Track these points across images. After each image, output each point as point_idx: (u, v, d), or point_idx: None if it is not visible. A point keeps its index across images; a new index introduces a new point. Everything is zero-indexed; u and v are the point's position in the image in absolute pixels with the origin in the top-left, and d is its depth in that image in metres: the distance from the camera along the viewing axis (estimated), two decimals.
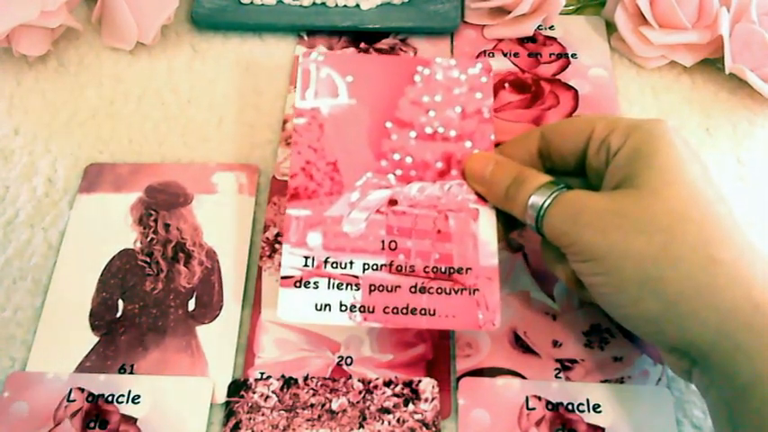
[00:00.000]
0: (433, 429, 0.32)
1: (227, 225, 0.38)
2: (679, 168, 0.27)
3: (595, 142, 0.30)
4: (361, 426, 0.32)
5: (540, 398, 0.33)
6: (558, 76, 0.44)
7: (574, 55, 0.45)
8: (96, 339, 0.35)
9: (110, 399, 0.33)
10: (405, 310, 0.31)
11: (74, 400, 0.33)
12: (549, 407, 0.32)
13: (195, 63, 0.45)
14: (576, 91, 0.43)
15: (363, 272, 0.31)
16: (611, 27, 0.46)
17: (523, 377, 0.33)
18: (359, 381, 0.33)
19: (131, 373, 0.34)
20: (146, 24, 0.43)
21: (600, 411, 0.32)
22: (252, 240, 0.38)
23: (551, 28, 0.46)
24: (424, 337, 0.35)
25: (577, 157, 0.31)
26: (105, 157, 0.41)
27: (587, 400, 0.33)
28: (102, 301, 0.36)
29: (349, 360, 0.34)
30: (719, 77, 0.44)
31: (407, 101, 0.34)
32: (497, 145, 0.34)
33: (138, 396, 0.33)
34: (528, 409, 0.32)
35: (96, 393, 0.33)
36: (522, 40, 0.45)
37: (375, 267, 0.31)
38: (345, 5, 0.45)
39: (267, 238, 0.37)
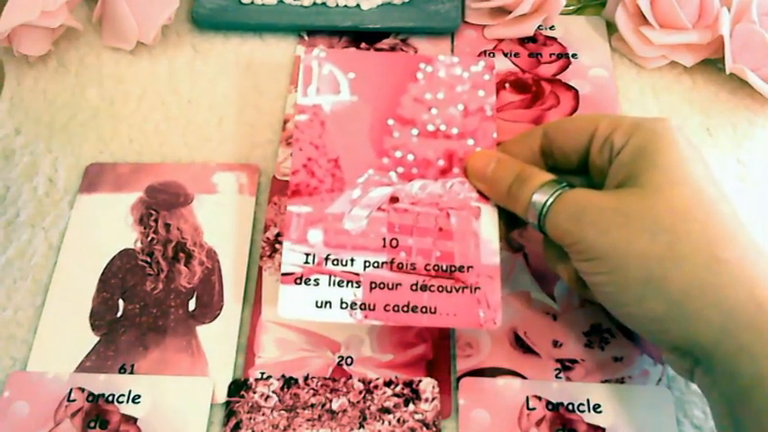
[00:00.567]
0: (434, 429, 0.32)
1: (227, 225, 0.38)
2: (682, 167, 0.27)
3: (598, 140, 0.30)
4: (361, 426, 0.32)
5: (540, 398, 0.33)
6: (558, 77, 0.44)
7: (574, 55, 0.45)
8: (97, 339, 0.35)
9: (110, 399, 0.33)
10: (405, 308, 0.30)
11: (74, 400, 0.33)
12: (550, 407, 0.32)
13: (196, 63, 0.45)
14: (576, 91, 0.43)
15: (364, 269, 0.31)
16: (611, 27, 0.46)
17: (524, 377, 0.33)
18: (359, 381, 0.33)
19: (131, 372, 0.34)
20: (146, 24, 0.43)
21: (600, 411, 0.32)
22: (252, 240, 0.38)
23: (552, 28, 0.46)
24: (425, 336, 0.35)
25: (580, 155, 0.31)
26: (106, 156, 0.41)
27: (587, 401, 0.33)
28: (103, 300, 0.36)
29: (349, 360, 0.34)
30: (720, 78, 0.44)
31: (410, 98, 0.34)
32: (499, 143, 0.34)
33: (139, 396, 0.33)
34: (528, 409, 0.32)
35: (96, 393, 0.33)
36: (522, 41, 0.45)
37: (376, 265, 0.31)
38: (346, 5, 0.45)
39: (267, 238, 0.37)
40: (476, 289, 0.31)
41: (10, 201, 0.39)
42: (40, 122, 0.42)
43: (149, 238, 0.37)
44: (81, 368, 0.34)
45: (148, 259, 0.37)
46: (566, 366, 0.34)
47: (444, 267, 0.31)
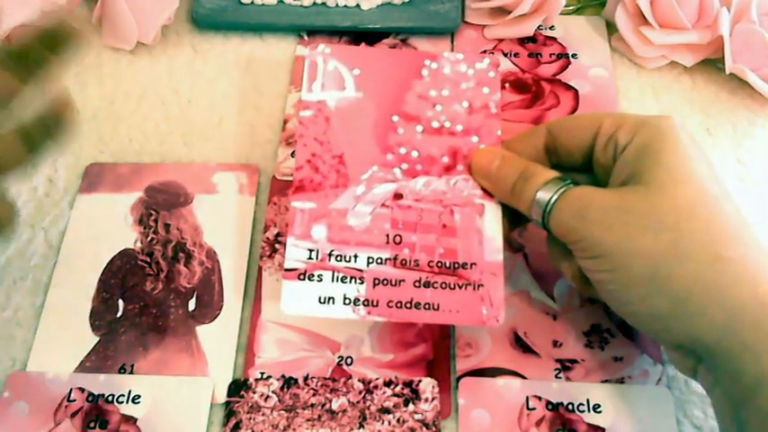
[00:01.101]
0: (434, 429, 0.32)
1: (227, 225, 0.38)
2: (686, 166, 0.27)
3: (603, 138, 0.30)
4: (361, 426, 0.32)
5: (540, 398, 0.33)
6: (558, 77, 0.44)
7: (574, 55, 0.44)
8: (96, 339, 0.35)
9: (110, 399, 0.33)
10: (409, 305, 0.30)
11: (74, 400, 0.33)
12: (550, 407, 0.32)
13: (196, 63, 0.45)
14: (576, 91, 0.43)
15: (368, 265, 0.31)
16: (611, 27, 0.46)
17: (523, 377, 0.33)
18: (359, 381, 0.33)
19: (131, 373, 0.34)
20: (146, 24, 0.43)
21: (600, 411, 0.32)
22: (252, 240, 0.38)
23: (552, 28, 0.46)
24: (425, 336, 0.35)
25: (584, 153, 0.31)
26: (106, 156, 0.41)
27: (587, 400, 0.33)
28: (103, 300, 0.36)
29: (349, 360, 0.34)
30: (720, 77, 0.44)
31: (414, 95, 0.34)
32: (503, 141, 0.34)
33: (139, 396, 0.33)
34: (528, 409, 0.32)
35: (96, 393, 0.33)
36: (522, 41, 0.45)
37: (379, 261, 0.31)
38: (346, 5, 0.45)
39: (267, 238, 0.37)
40: (479, 286, 0.31)
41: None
42: None
43: (149, 239, 0.37)
44: (81, 368, 0.34)
45: (148, 259, 0.37)
46: (566, 366, 0.34)
47: (448, 264, 0.31)
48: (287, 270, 0.31)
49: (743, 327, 0.25)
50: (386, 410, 0.32)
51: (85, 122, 0.42)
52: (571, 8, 0.47)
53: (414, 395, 0.33)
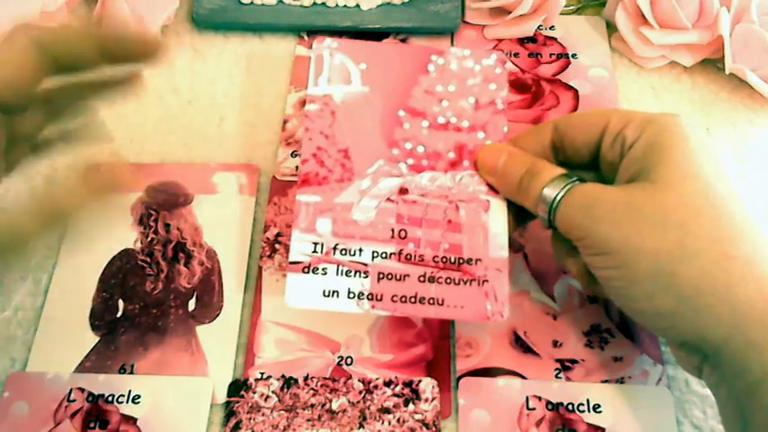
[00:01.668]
0: (433, 429, 0.32)
1: (227, 225, 0.38)
2: (694, 163, 0.27)
3: (610, 135, 0.30)
4: (361, 426, 0.32)
5: (540, 398, 0.33)
6: (558, 77, 0.44)
7: (574, 55, 0.44)
8: (96, 339, 0.35)
9: (110, 399, 0.33)
10: (413, 299, 0.30)
11: (74, 400, 0.33)
12: (549, 407, 0.32)
13: (195, 63, 0.45)
14: (576, 91, 0.43)
15: (372, 259, 0.31)
16: (611, 27, 0.46)
17: (523, 377, 0.33)
18: (359, 381, 0.33)
19: (131, 373, 0.34)
20: (146, 24, 0.43)
21: (600, 411, 0.32)
22: (252, 240, 0.38)
23: (552, 28, 0.46)
24: (424, 337, 0.35)
25: (591, 149, 0.31)
26: (106, 156, 0.41)
27: (587, 400, 0.33)
28: (103, 301, 0.36)
29: (349, 360, 0.34)
30: (720, 77, 0.44)
31: (421, 90, 0.34)
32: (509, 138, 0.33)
33: (138, 396, 0.33)
34: (528, 409, 0.32)
35: (96, 393, 0.33)
36: (522, 41, 0.45)
37: (384, 255, 0.31)
38: (345, 5, 0.45)
39: (267, 238, 0.37)
40: (483, 282, 0.31)
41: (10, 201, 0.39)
42: None
43: (149, 239, 0.37)
44: (81, 368, 0.34)
45: (148, 259, 0.37)
46: (565, 366, 0.34)
47: (452, 259, 0.31)
48: (291, 263, 0.31)
49: (749, 324, 0.25)
50: (386, 410, 0.32)
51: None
52: (571, 8, 0.47)
53: (414, 395, 0.33)
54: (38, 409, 0.32)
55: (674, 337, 0.28)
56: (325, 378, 0.33)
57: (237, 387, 0.33)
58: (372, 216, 0.32)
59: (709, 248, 0.26)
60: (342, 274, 0.31)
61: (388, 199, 0.32)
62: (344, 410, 0.32)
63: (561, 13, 0.46)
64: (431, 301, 0.30)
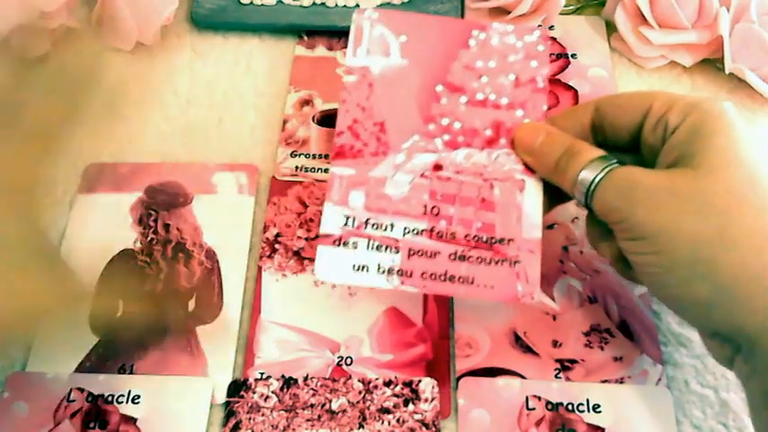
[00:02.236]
0: (433, 429, 0.32)
1: (226, 225, 0.38)
2: (739, 150, 0.27)
3: (653, 118, 0.29)
4: (361, 426, 0.32)
5: (539, 398, 0.33)
6: (557, 77, 0.44)
7: (574, 55, 0.45)
8: (96, 339, 0.35)
9: (109, 399, 0.33)
10: (443, 277, 0.30)
11: (74, 401, 0.33)
12: (549, 407, 0.32)
13: (195, 63, 0.45)
14: (575, 91, 0.43)
15: (404, 235, 0.30)
16: (611, 27, 0.46)
17: (523, 377, 0.33)
18: (359, 381, 0.33)
19: (131, 373, 0.34)
20: (145, 25, 0.43)
21: (600, 411, 0.32)
22: (252, 240, 0.38)
23: (551, 28, 0.46)
24: (424, 337, 0.35)
25: (632, 132, 0.30)
26: (105, 156, 0.41)
27: (587, 400, 0.33)
28: (103, 301, 0.36)
29: (349, 360, 0.34)
30: (719, 77, 0.44)
31: (460, 65, 0.33)
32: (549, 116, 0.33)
33: (138, 396, 0.33)
34: (528, 409, 0.32)
35: (96, 393, 0.33)
36: None
37: (416, 232, 0.31)
38: (345, 5, 0.45)
39: (267, 239, 0.37)
40: (515, 263, 0.30)
41: None
42: None
43: (149, 239, 0.37)
44: (80, 368, 0.34)
45: (148, 259, 0.37)
46: (565, 366, 0.34)
47: (485, 238, 0.31)
48: (323, 236, 0.30)
49: None
50: (386, 410, 0.32)
51: (85, 122, 0.42)
52: (571, 8, 0.47)
53: (413, 395, 0.33)
54: (38, 409, 0.32)
55: (708, 327, 0.28)
56: (325, 378, 0.33)
57: (237, 387, 0.33)
58: (405, 191, 0.31)
59: (751, 238, 0.25)
60: (372, 249, 0.30)
61: (422, 175, 0.31)
62: (344, 411, 0.32)
63: (561, 13, 0.46)
64: (461, 280, 0.30)
